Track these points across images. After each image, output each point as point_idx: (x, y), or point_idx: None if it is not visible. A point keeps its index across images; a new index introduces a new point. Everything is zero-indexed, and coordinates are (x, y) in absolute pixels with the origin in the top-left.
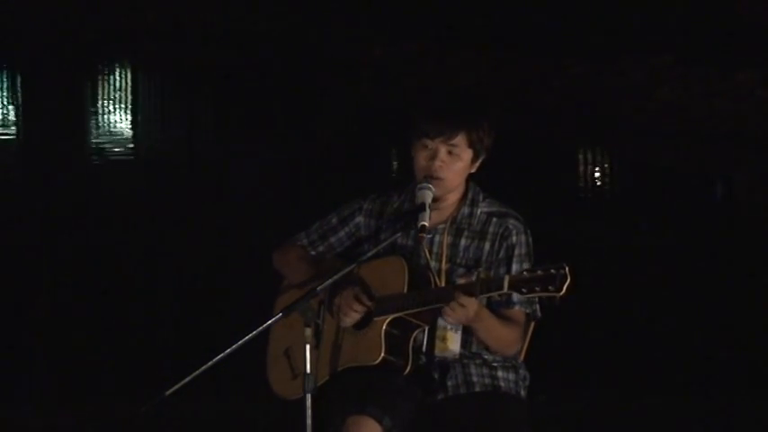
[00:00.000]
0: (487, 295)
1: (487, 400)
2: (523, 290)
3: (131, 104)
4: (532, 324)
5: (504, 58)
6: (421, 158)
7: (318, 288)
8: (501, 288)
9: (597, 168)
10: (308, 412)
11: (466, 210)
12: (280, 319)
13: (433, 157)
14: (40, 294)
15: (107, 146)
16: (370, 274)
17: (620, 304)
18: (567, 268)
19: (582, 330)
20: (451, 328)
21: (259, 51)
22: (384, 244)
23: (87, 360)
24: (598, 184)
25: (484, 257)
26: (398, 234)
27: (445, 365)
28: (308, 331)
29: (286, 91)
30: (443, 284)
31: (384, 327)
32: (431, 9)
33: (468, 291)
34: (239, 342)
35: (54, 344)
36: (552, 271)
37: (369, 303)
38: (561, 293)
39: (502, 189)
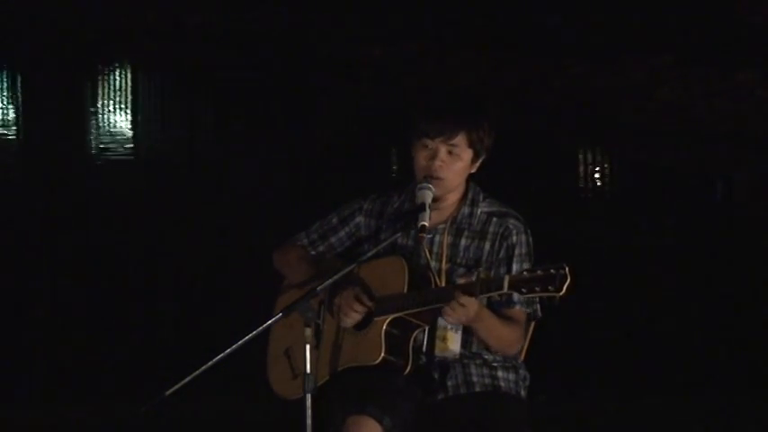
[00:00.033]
0: (487, 295)
1: (487, 400)
2: (523, 290)
3: (131, 104)
4: (533, 324)
5: (504, 58)
6: (421, 158)
7: (318, 288)
8: (501, 288)
9: (597, 168)
10: (308, 412)
11: (466, 210)
12: (280, 319)
13: (433, 156)
14: (40, 294)
15: (107, 146)
16: (370, 274)
17: (620, 304)
18: (566, 268)
19: (582, 330)
20: (452, 328)
21: (259, 51)
22: (384, 244)
23: (87, 360)
24: (598, 184)
25: (484, 257)
26: (398, 234)
27: (445, 365)
28: (308, 331)
29: (286, 91)
30: (443, 284)
31: (384, 327)
32: (431, 9)
33: (468, 291)
34: (239, 342)
35: (54, 344)
36: (552, 271)
37: (369, 304)
38: (561, 293)
39: (502, 189)
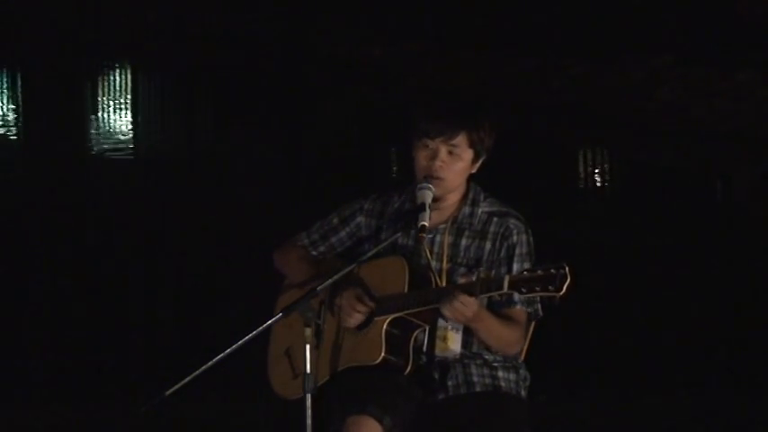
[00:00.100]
0: (488, 295)
1: (488, 400)
2: (523, 289)
3: (131, 104)
4: (533, 324)
5: (504, 58)
6: (421, 158)
7: (318, 288)
8: (501, 288)
9: (597, 168)
10: (309, 412)
11: (467, 209)
12: (280, 319)
13: (434, 157)
14: (40, 294)
15: (107, 146)
16: (370, 274)
17: (620, 304)
18: (567, 268)
19: (582, 330)
20: (452, 328)
21: (259, 51)
22: (384, 244)
23: (87, 360)
24: (598, 184)
25: (485, 257)
26: (399, 234)
27: (446, 365)
28: (309, 331)
29: (286, 91)
30: (444, 284)
31: (384, 326)
32: (431, 9)
33: (469, 290)
34: (239, 342)
35: (54, 344)
36: (552, 271)
37: (371, 304)
38: (561, 293)
39: (502, 189)
